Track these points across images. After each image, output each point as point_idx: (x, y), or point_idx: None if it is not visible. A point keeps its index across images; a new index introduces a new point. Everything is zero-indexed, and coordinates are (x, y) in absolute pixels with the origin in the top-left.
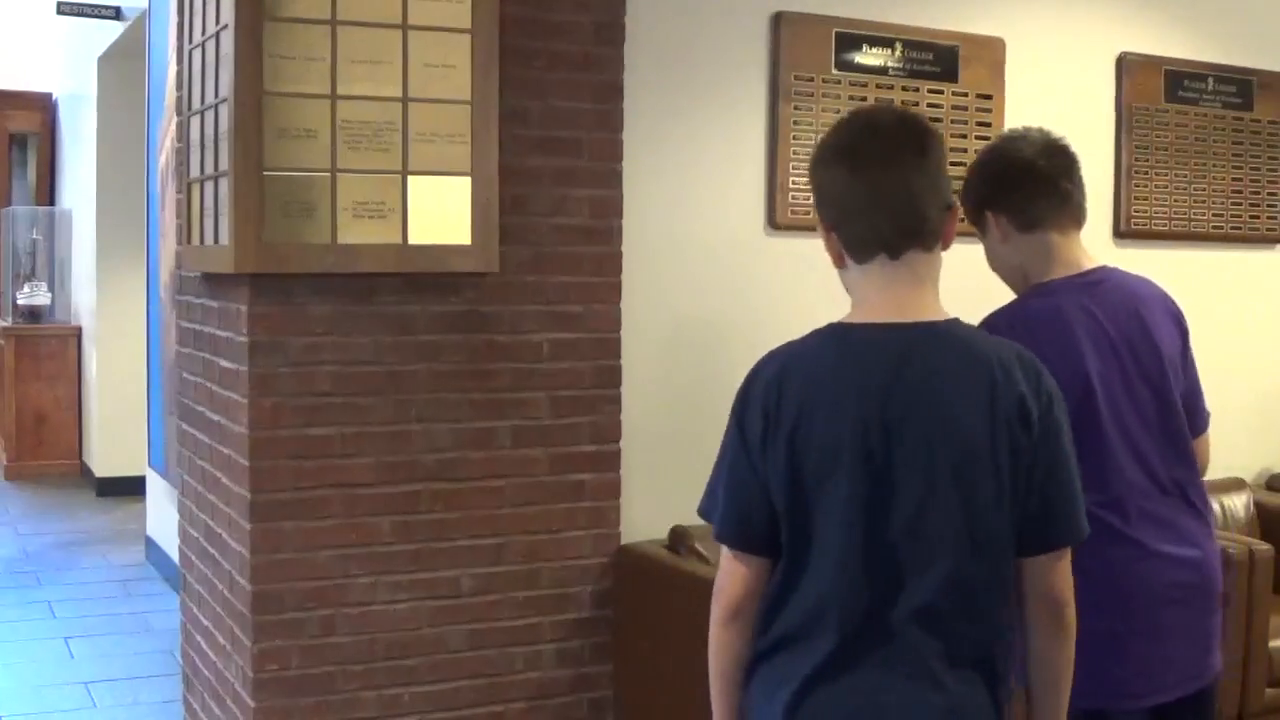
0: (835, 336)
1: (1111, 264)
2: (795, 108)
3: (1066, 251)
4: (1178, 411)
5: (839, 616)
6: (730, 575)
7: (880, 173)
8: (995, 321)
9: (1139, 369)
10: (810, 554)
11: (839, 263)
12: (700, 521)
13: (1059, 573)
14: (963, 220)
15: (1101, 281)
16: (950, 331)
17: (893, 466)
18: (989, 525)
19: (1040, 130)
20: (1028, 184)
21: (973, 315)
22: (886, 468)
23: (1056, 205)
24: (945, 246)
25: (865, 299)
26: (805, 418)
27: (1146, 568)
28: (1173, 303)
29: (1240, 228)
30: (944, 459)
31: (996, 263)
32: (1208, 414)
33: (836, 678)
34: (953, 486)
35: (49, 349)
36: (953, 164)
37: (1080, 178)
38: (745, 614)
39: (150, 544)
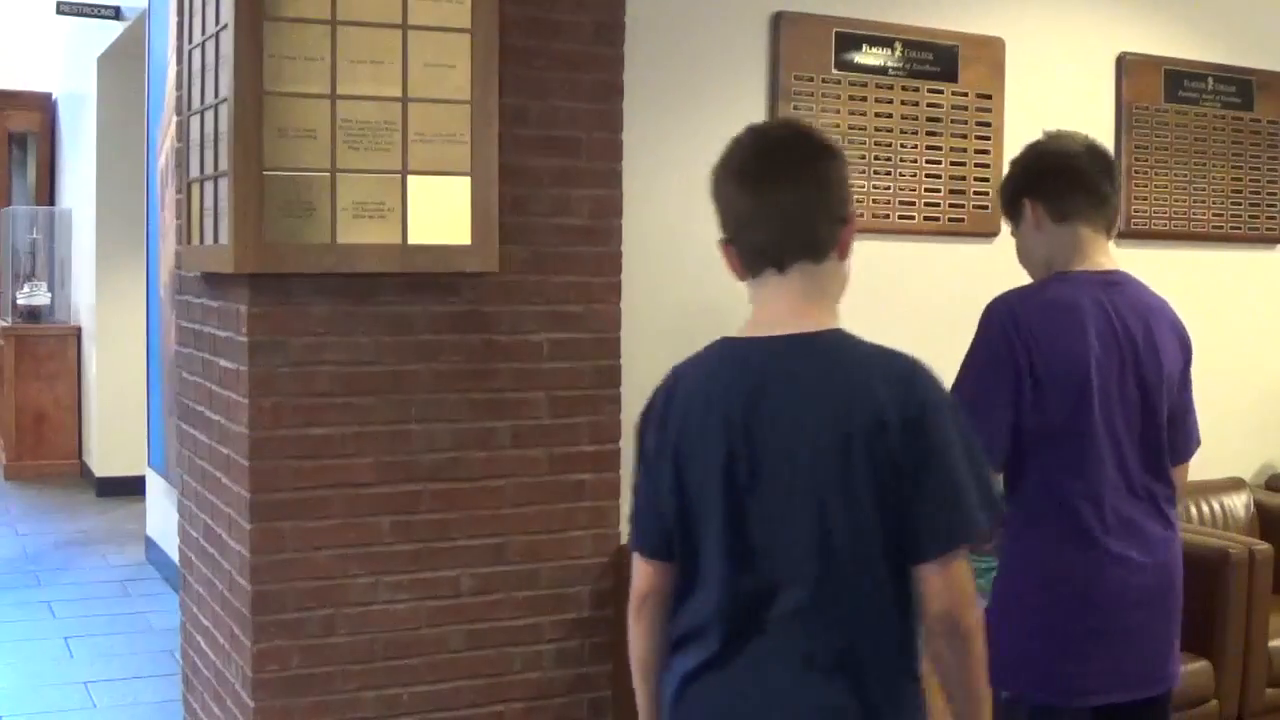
0: (717, 350)
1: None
2: (795, 108)
3: (1093, 249)
4: (1160, 424)
5: (721, 618)
6: (636, 574)
7: (767, 187)
8: (1009, 297)
9: (1136, 373)
10: (699, 559)
11: (739, 277)
12: None
13: (943, 581)
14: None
15: (1120, 284)
16: (823, 342)
17: (755, 477)
18: (849, 534)
19: (1084, 135)
20: (1068, 176)
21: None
22: (750, 478)
23: (1093, 203)
24: (843, 257)
25: (754, 312)
26: (686, 431)
27: (1112, 571)
28: (1181, 325)
29: (1240, 228)
30: (801, 470)
31: (1025, 253)
32: (1198, 441)
33: (714, 674)
34: (810, 496)
35: (49, 349)
36: (953, 164)
37: (1119, 185)
38: (649, 610)
39: (150, 544)
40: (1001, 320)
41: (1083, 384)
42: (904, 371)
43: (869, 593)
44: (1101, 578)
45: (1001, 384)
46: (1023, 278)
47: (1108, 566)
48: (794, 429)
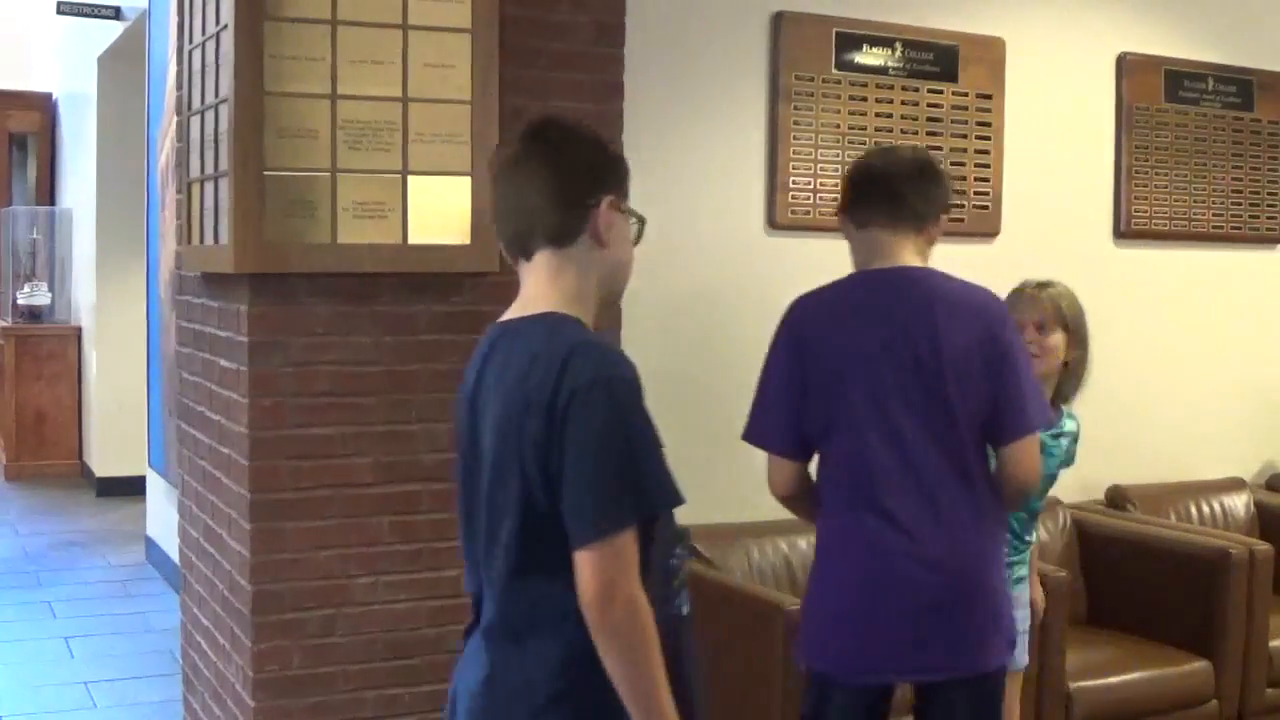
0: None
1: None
2: (795, 108)
3: (893, 250)
4: (949, 410)
5: (473, 592)
6: None
7: (507, 179)
8: (798, 298)
9: (915, 361)
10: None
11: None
12: (699, 520)
13: (584, 568)
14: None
15: (905, 277)
16: (531, 325)
17: (477, 458)
18: (506, 515)
19: (911, 147)
20: (861, 187)
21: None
22: (474, 459)
23: (889, 209)
24: (600, 243)
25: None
26: (457, 401)
27: (886, 557)
28: (985, 310)
29: (1240, 228)
30: (493, 451)
31: (852, 259)
32: (1024, 425)
33: (468, 643)
34: (496, 474)
35: (49, 349)
36: (953, 164)
37: (930, 187)
38: None
39: (150, 544)
40: (783, 320)
41: (837, 374)
42: (566, 354)
43: (547, 571)
44: (874, 559)
45: (777, 378)
46: (1020, 276)
47: (880, 551)
48: (488, 408)
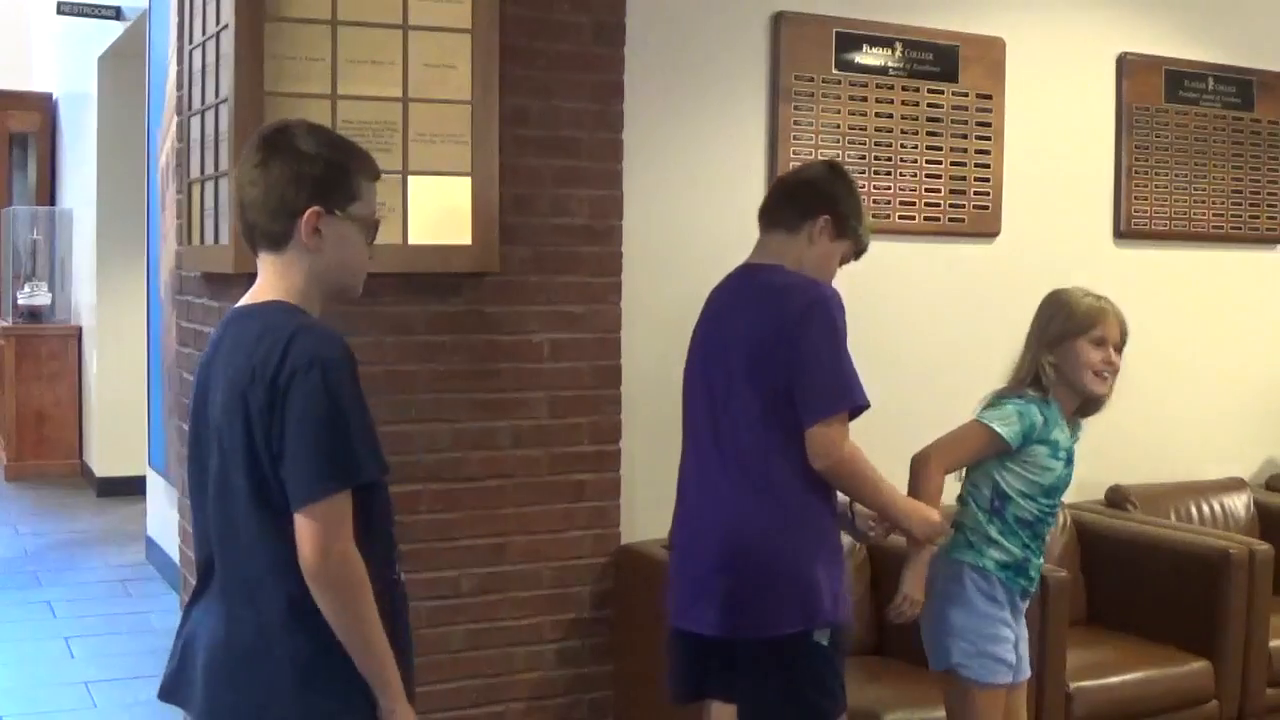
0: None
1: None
2: (795, 108)
3: (766, 247)
4: (740, 391)
5: (201, 559)
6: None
7: (236, 179)
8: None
9: (720, 346)
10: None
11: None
12: None
13: (301, 529)
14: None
15: (737, 271)
16: (260, 310)
17: (206, 429)
18: (232, 481)
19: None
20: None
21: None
22: (204, 430)
23: (769, 214)
24: (312, 248)
25: None
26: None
27: (680, 520)
28: (792, 295)
29: (1240, 228)
30: (222, 423)
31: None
32: (823, 409)
33: (196, 604)
34: (223, 444)
35: (49, 349)
36: (953, 164)
37: (799, 192)
38: None
39: (150, 544)
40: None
41: (688, 359)
42: (287, 337)
43: (256, 534)
44: (675, 524)
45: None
46: (1020, 276)
47: (680, 516)
48: (218, 384)
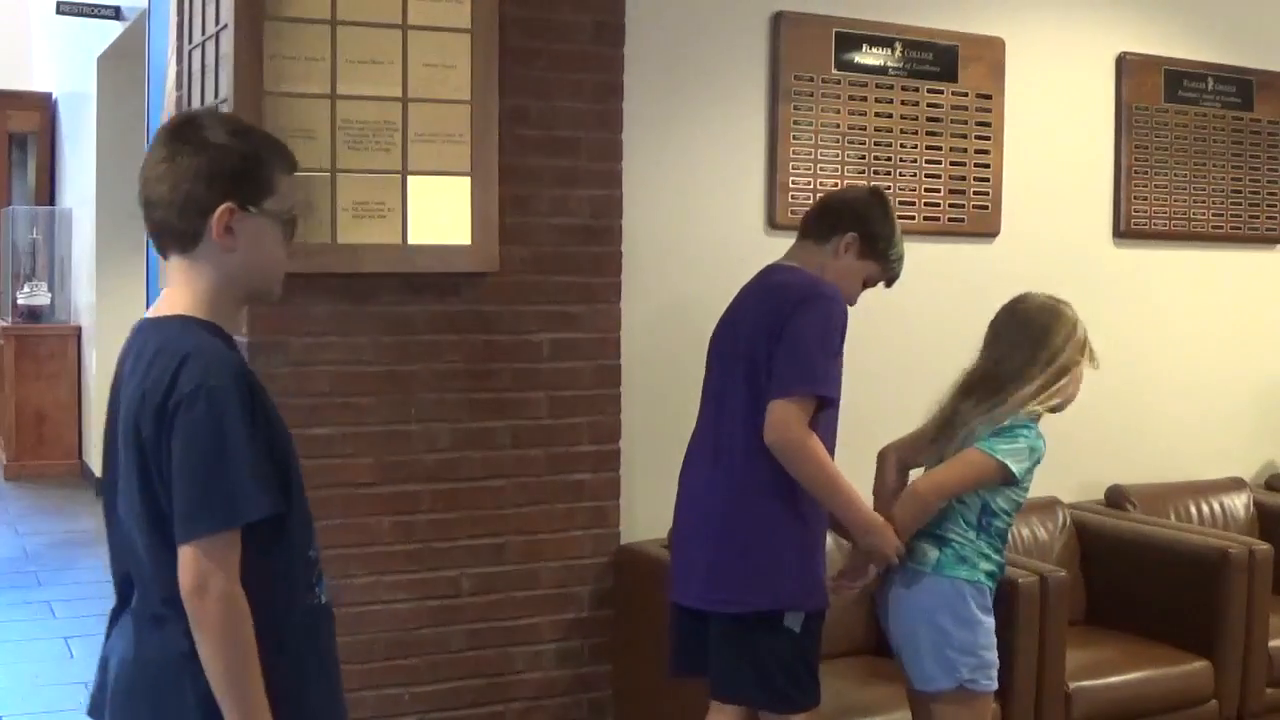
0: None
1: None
2: (795, 108)
3: (788, 253)
4: (737, 372)
5: (118, 576)
6: None
7: (143, 174)
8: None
9: (730, 339)
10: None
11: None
12: None
13: (181, 564)
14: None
15: (770, 271)
16: (162, 325)
17: (115, 446)
18: (134, 507)
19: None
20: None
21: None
22: (114, 447)
23: (800, 223)
24: (225, 248)
25: None
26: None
27: (681, 497)
28: (797, 290)
29: (1240, 228)
30: (123, 443)
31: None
32: (788, 385)
33: (116, 622)
34: (126, 466)
35: (49, 349)
36: (953, 164)
37: (825, 208)
38: None
39: None
40: None
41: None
42: (177, 362)
43: (163, 560)
44: (678, 501)
45: None
46: (1020, 276)
47: (681, 492)
48: (123, 402)
